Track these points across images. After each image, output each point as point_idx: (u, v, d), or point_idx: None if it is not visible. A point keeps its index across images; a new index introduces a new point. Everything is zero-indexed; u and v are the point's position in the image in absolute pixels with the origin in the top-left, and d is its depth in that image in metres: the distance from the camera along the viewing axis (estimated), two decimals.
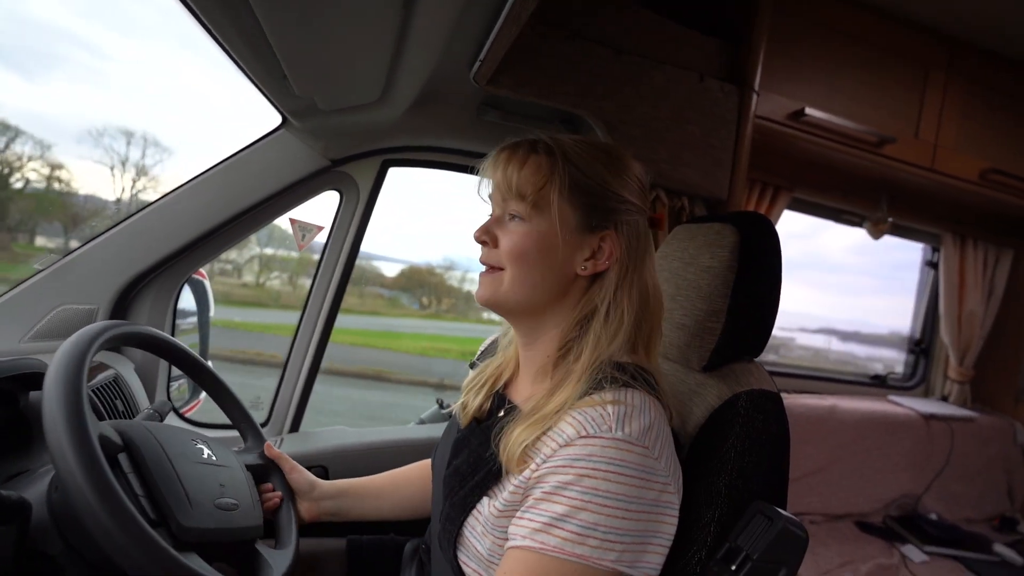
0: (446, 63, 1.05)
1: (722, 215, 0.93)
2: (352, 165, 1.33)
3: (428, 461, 1.03)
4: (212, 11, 0.76)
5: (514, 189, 0.70)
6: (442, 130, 1.33)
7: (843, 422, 2.12)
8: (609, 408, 0.60)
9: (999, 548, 2.13)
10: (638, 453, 0.57)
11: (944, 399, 2.60)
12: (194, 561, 0.60)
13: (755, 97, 1.34)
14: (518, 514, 0.61)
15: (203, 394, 1.49)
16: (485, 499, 0.66)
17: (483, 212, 0.80)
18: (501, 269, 0.72)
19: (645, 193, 0.77)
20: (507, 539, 0.61)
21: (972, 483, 2.39)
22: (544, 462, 0.59)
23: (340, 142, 1.27)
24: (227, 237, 1.28)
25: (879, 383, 2.61)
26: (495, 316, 0.80)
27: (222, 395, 0.94)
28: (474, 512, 0.66)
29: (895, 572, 1.85)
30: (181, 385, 1.45)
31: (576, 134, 1.39)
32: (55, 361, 0.60)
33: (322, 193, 1.36)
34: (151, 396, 1.25)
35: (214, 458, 0.76)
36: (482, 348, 1.00)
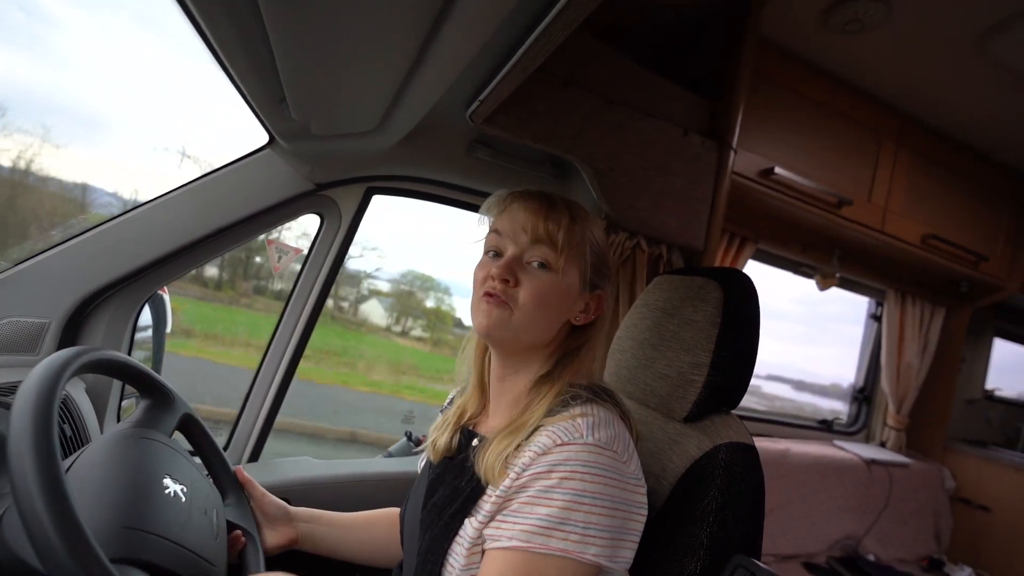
0: (445, 100, 1.06)
1: (703, 269, 0.97)
2: (336, 190, 1.31)
3: (397, 508, 1.01)
4: (219, 26, 0.73)
5: (558, 243, 0.74)
6: (430, 163, 1.33)
7: (794, 466, 2.20)
8: (579, 420, 0.66)
9: None
10: (609, 457, 0.64)
11: (882, 444, 2.75)
12: None
13: (733, 154, 1.42)
14: (499, 518, 0.65)
15: None
16: (466, 521, 0.68)
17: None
18: (509, 306, 0.74)
19: None
20: (480, 548, 0.66)
21: (905, 526, 2.53)
22: (524, 471, 0.65)
23: (327, 166, 1.25)
24: (199, 255, 1.22)
25: (826, 428, 2.74)
26: None
27: (201, 440, 0.89)
28: (457, 537, 0.68)
29: None
30: (130, 404, 1.36)
31: (564, 179, 1.44)
32: (22, 405, 0.52)
33: (302, 216, 1.33)
34: (100, 417, 1.16)
35: (185, 489, 0.71)
36: (450, 397, 1.00)
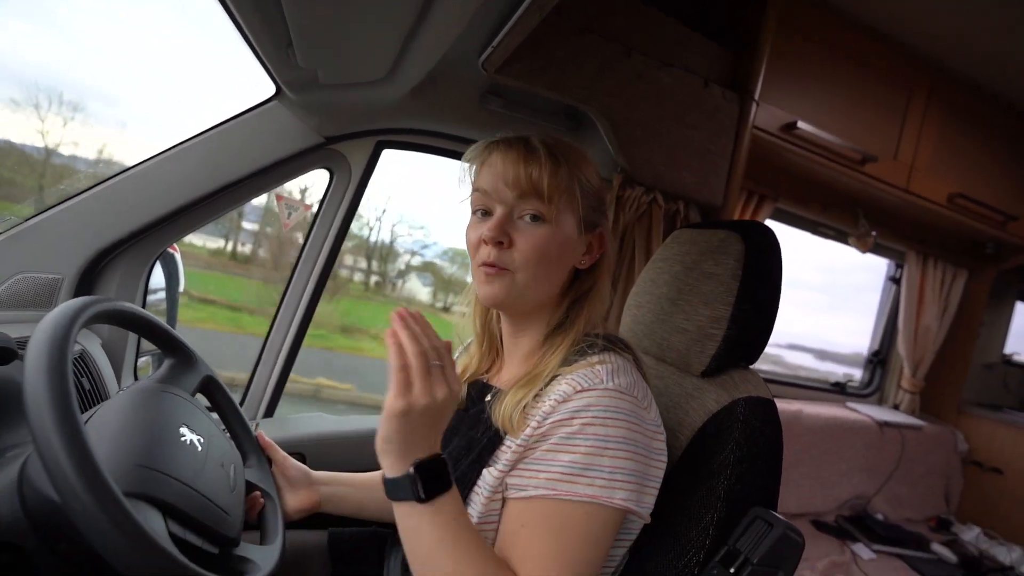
0: (456, 47, 1.02)
1: (725, 222, 0.94)
2: (346, 144, 1.28)
3: None
4: None
5: (544, 192, 0.70)
6: (442, 115, 1.29)
7: (807, 427, 2.20)
8: (598, 367, 0.66)
9: (936, 547, 2.27)
10: (630, 402, 0.63)
11: (896, 407, 2.74)
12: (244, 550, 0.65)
13: (755, 107, 1.36)
14: (520, 466, 0.64)
15: None
16: (485, 470, 0.68)
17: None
18: (509, 271, 0.71)
19: None
20: (500, 495, 0.65)
21: (916, 487, 2.54)
22: (546, 419, 0.64)
23: (336, 119, 1.22)
24: (208, 210, 1.21)
25: (839, 390, 2.73)
26: None
27: (222, 402, 0.90)
28: (475, 487, 0.68)
29: (847, 569, 1.94)
30: (146, 362, 1.37)
31: (579, 131, 1.39)
32: (36, 346, 0.53)
33: (311, 171, 1.30)
34: (117, 373, 1.18)
35: (202, 440, 0.72)
36: (459, 352, 0.99)
